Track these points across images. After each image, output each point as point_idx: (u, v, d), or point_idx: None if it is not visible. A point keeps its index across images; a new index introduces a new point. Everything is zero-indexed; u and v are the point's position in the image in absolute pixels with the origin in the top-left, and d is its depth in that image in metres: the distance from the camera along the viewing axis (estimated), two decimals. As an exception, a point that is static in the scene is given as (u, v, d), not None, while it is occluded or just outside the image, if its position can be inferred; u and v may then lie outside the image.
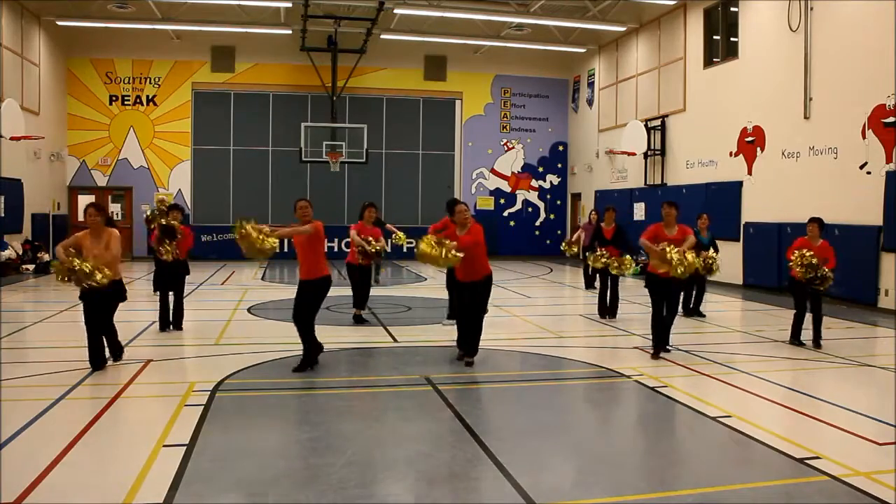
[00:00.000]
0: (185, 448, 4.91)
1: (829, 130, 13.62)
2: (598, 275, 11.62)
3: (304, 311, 7.41)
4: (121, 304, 7.50)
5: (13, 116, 16.97)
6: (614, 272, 10.83)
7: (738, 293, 14.92)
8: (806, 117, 14.22)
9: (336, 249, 21.31)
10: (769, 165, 15.32)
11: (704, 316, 11.36)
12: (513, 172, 24.75)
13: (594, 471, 4.77)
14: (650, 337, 8.59)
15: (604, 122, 22.63)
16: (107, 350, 7.40)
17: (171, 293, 9.55)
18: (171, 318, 9.54)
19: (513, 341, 9.11)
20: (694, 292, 11.41)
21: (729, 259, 15.86)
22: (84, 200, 22.27)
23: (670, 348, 8.47)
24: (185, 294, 9.83)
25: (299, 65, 22.39)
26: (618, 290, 11.22)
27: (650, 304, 8.45)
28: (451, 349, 8.59)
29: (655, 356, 8.16)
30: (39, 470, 4.45)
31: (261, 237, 6.72)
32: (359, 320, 10.27)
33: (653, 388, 6.81)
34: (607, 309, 11.13)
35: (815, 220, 9.02)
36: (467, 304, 7.81)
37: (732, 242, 15.83)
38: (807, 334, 9.12)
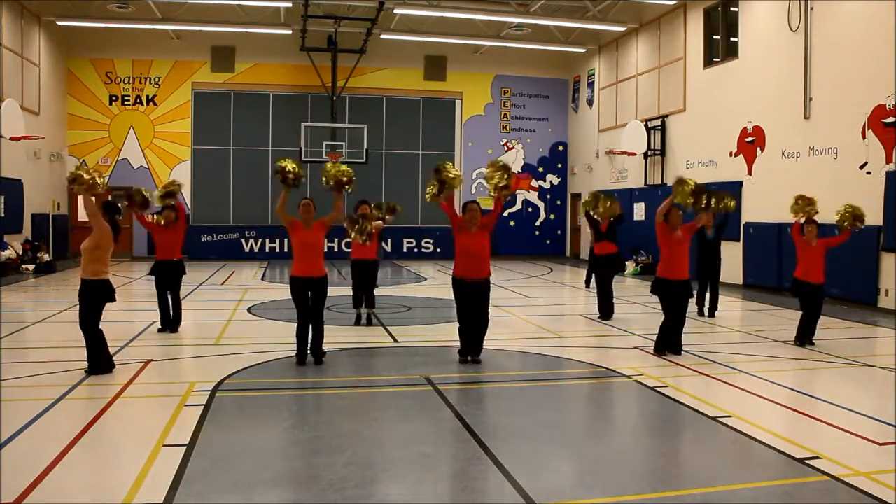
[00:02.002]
0: (185, 448, 4.91)
1: (829, 130, 13.62)
2: (594, 275, 11.55)
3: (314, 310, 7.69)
4: (120, 305, 7.45)
5: (13, 116, 16.98)
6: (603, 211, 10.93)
7: (738, 293, 14.92)
8: (806, 117, 14.22)
9: (336, 249, 21.31)
10: (769, 165, 15.32)
11: (713, 316, 11.36)
12: (513, 172, 24.69)
13: (594, 471, 4.77)
14: (652, 336, 8.59)
15: (604, 122, 22.63)
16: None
17: (168, 293, 9.50)
18: (170, 319, 9.49)
19: (513, 341, 9.11)
20: (708, 293, 11.47)
21: (729, 259, 15.85)
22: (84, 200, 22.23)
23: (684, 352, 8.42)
24: (181, 293, 9.79)
25: (299, 65, 22.39)
26: (611, 290, 11.19)
27: (661, 309, 8.41)
28: (451, 349, 8.60)
29: (658, 354, 8.21)
30: (39, 470, 4.45)
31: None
32: (359, 320, 10.24)
33: (653, 388, 6.81)
34: (603, 309, 11.13)
35: (814, 221, 9.09)
36: (477, 304, 7.78)
37: (732, 242, 15.82)
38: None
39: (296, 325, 7.77)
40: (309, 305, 7.67)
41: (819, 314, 9.07)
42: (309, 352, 7.69)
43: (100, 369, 7.00)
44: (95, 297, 7.00)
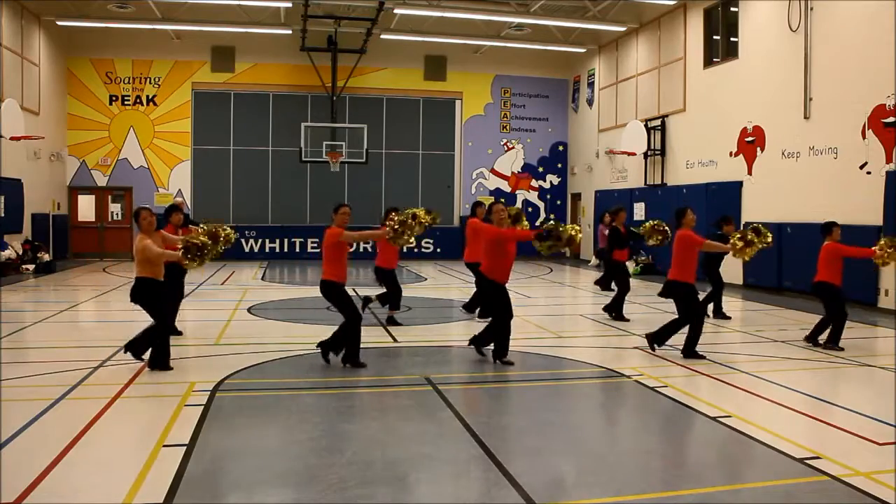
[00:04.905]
0: (185, 448, 4.91)
1: (829, 130, 13.62)
2: (619, 277, 11.50)
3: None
4: (121, 305, 7.44)
5: (13, 116, 16.96)
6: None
7: (738, 293, 14.91)
8: (806, 117, 14.22)
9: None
10: (769, 165, 15.32)
11: (730, 318, 11.33)
12: (513, 172, 24.75)
13: (594, 471, 4.77)
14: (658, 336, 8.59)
15: (604, 122, 22.63)
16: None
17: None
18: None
19: (513, 341, 9.05)
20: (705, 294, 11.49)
21: (729, 259, 15.81)
22: (84, 200, 22.29)
23: (668, 346, 8.45)
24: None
25: (299, 65, 22.39)
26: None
27: (679, 313, 8.32)
28: (450, 349, 8.62)
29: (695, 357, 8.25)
30: (39, 470, 4.45)
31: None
32: (391, 321, 10.31)
33: (653, 388, 6.81)
34: (612, 310, 11.11)
35: (837, 224, 9.05)
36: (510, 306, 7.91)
37: (732, 242, 15.82)
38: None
39: (343, 325, 7.61)
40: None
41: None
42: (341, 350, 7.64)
43: (165, 365, 7.24)
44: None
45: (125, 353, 7.31)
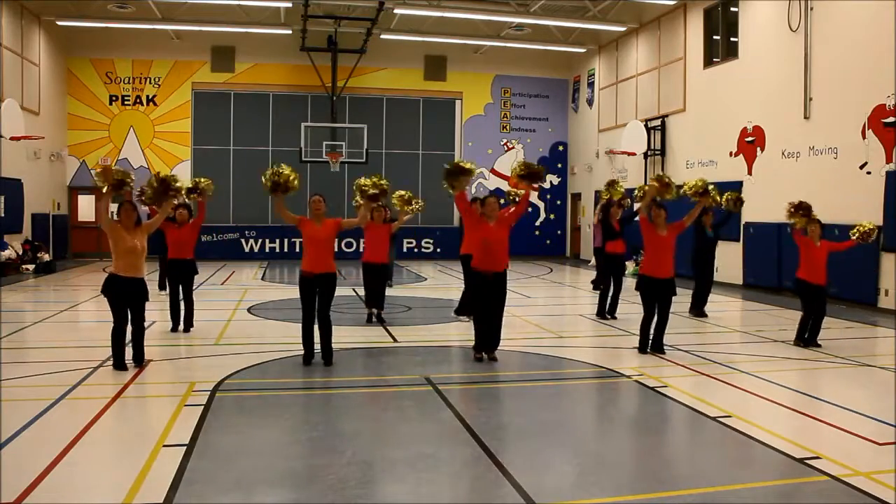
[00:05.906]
0: (185, 448, 4.91)
1: (829, 130, 13.62)
2: (607, 275, 11.48)
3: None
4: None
5: (13, 116, 16.96)
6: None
7: (738, 293, 14.92)
8: (806, 117, 14.22)
9: (335, 250, 21.23)
10: (769, 165, 15.32)
11: (706, 316, 11.33)
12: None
13: (594, 471, 4.77)
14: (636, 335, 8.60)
15: (604, 122, 22.63)
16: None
17: (181, 292, 9.50)
18: (181, 318, 9.49)
19: (513, 341, 9.09)
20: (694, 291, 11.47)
21: (729, 259, 15.86)
22: (84, 200, 22.26)
23: (668, 349, 8.44)
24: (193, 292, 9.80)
25: (299, 65, 22.38)
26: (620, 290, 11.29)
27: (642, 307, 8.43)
28: (451, 349, 8.61)
29: (642, 351, 8.36)
30: (39, 470, 4.45)
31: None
32: (373, 319, 10.35)
33: (653, 388, 6.81)
34: (610, 309, 11.10)
35: (818, 221, 9.11)
36: (497, 296, 7.92)
37: (732, 242, 15.82)
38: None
39: (300, 325, 7.71)
40: (314, 304, 7.62)
41: (824, 315, 9.02)
42: (319, 352, 7.64)
43: (120, 365, 7.21)
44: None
45: (134, 366, 7.28)
